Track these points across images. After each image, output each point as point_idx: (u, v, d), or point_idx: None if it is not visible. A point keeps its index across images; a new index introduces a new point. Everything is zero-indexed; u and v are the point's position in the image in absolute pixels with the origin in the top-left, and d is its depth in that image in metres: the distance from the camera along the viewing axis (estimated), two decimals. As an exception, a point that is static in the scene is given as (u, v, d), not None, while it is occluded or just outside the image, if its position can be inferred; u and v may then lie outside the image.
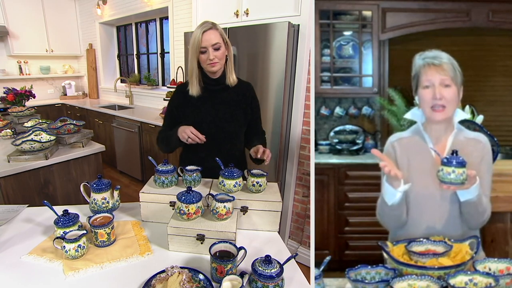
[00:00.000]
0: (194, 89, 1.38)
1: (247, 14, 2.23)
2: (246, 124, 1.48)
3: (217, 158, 1.25)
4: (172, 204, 1.13)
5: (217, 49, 1.30)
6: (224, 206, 1.00)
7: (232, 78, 1.41)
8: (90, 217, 1.03)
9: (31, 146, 1.80)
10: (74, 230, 0.98)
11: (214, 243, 0.89)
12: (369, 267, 0.87)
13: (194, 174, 1.22)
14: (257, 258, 0.81)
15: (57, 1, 4.97)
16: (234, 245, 0.89)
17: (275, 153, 2.11)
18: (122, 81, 4.99)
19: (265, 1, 2.12)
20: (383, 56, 1.83)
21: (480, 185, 0.88)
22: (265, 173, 1.19)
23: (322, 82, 1.89)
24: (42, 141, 1.85)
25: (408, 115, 1.01)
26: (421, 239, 0.90)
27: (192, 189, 1.04)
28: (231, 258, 0.85)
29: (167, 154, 2.73)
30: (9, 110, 2.68)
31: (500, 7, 1.66)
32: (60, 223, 0.99)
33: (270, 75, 2.01)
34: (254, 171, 1.19)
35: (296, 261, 0.98)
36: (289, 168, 2.25)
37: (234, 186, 1.16)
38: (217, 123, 1.41)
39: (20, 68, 4.95)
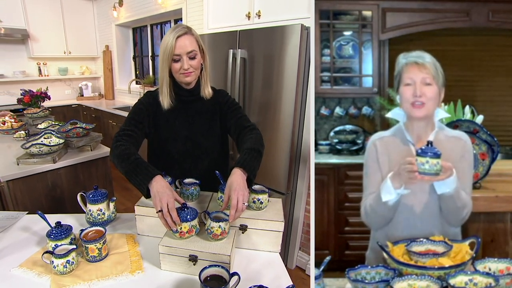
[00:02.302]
0: (165, 100, 1.23)
1: (259, 16, 2.19)
2: (226, 136, 1.37)
3: (217, 172, 1.13)
4: None
5: (192, 58, 1.16)
6: (220, 226, 0.93)
7: (207, 91, 1.27)
8: (82, 230, 1.00)
9: (39, 150, 1.80)
10: (66, 243, 0.96)
11: (206, 267, 0.83)
12: (369, 267, 0.87)
13: (192, 188, 1.15)
14: (250, 287, 0.76)
15: (76, 4, 5.10)
16: (227, 270, 0.82)
17: (286, 161, 2.05)
18: (137, 83, 5.03)
19: (278, 3, 2.07)
20: (383, 56, 1.83)
21: (460, 181, 0.90)
22: (266, 190, 1.11)
23: (322, 82, 1.89)
24: (50, 144, 1.86)
25: (390, 115, 1.02)
26: (421, 239, 0.90)
27: (188, 205, 0.98)
28: (222, 285, 0.79)
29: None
30: (24, 112, 2.74)
31: (500, 7, 1.66)
32: (52, 236, 0.97)
33: (283, 79, 1.96)
34: (256, 187, 1.11)
35: (306, 274, 0.95)
36: (301, 176, 2.17)
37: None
38: (193, 138, 1.28)
39: (40, 70, 5.11)
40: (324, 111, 1.97)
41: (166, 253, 0.92)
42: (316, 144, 1.96)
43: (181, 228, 0.93)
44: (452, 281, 0.77)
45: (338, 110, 1.95)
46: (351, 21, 1.83)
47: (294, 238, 2.32)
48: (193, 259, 0.90)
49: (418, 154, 0.86)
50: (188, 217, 0.94)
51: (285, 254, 2.38)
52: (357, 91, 1.89)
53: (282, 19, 2.03)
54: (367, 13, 1.79)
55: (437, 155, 0.84)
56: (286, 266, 2.33)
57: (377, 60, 1.83)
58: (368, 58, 1.84)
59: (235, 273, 0.81)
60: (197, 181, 1.17)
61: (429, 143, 0.86)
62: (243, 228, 1.05)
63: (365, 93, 1.88)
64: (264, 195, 1.09)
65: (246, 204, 0.96)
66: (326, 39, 1.86)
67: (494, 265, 0.84)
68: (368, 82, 1.87)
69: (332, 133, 1.98)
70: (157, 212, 0.93)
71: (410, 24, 1.72)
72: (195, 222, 0.96)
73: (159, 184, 0.97)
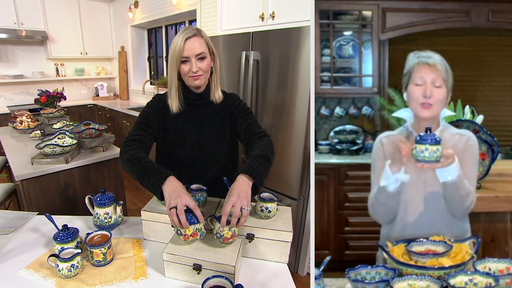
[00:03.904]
0: (174, 104, 1.20)
1: (273, 17, 2.17)
2: (236, 141, 1.34)
3: (225, 178, 1.08)
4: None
5: (201, 60, 1.13)
6: (230, 229, 0.91)
7: (217, 94, 1.24)
8: (88, 234, 1.01)
9: (53, 150, 1.83)
10: (71, 247, 0.97)
11: (209, 278, 0.81)
12: (369, 267, 0.87)
13: (199, 194, 1.13)
14: None
15: (93, 5, 5.22)
16: (231, 282, 0.80)
17: (299, 165, 2.02)
18: (151, 83, 5.07)
19: (292, 4, 2.05)
20: (383, 56, 1.83)
21: (463, 173, 0.89)
22: (275, 198, 1.08)
23: (322, 82, 1.89)
24: (64, 145, 1.88)
25: (398, 114, 1.02)
26: (421, 239, 0.90)
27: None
28: None
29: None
30: (41, 112, 2.80)
31: (500, 7, 1.66)
32: (58, 239, 0.97)
33: (298, 80, 1.93)
34: (264, 195, 1.08)
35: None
36: (314, 180, 2.14)
37: (241, 210, 1.06)
38: (202, 143, 1.25)
39: (57, 70, 5.25)
40: (324, 111, 1.97)
41: (170, 260, 0.91)
42: (316, 144, 1.96)
43: (185, 230, 0.91)
44: (452, 281, 0.77)
45: (338, 110, 1.95)
46: (351, 21, 1.83)
47: (306, 245, 2.26)
48: (197, 268, 0.88)
49: (417, 142, 0.85)
50: (193, 220, 0.91)
51: (296, 260, 2.34)
52: (357, 91, 1.89)
53: (296, 20, 2.02)
54: (367, 13, 1.79)
55: (436, 142, 0.83)
56: (297, 273, 2.31)
57: (377, 60, 1.83)
58: (368, 58, 1.84)
59: (239, 285, 0.78)
60: (204, 187, 1.15)
61: (428, 129, 0.85)
62: (250, 237, 1.02)
63: (365, 93, 1.88)
64: (272, 203, 1.06)
65: (246, 209, 0.92)
66: (326, 39, 1.86)
67: (494, 265, 0.84)
68: (368, 82, 1.87)
69: (332, 133, 1.97)
70: (170, 209, 0.90)
71: (410, 24, 1.72)
72: (200, 225, 0.93)
73: (174, 184, 0.96)
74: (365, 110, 1.94)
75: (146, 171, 1.01)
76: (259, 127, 1.26)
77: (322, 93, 1.90)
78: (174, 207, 0.89)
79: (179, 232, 0.92)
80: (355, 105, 1.95)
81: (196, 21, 3.67)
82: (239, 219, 0.91)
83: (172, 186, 0.95)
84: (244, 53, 2.14)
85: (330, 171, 1.79)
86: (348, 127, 1.96)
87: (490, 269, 0.83)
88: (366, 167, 1.90)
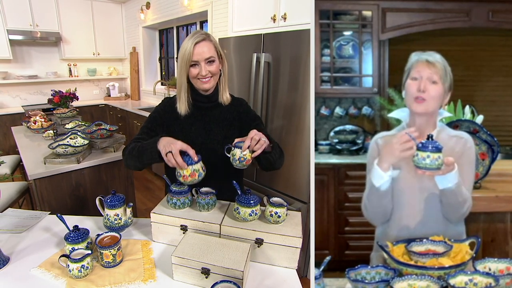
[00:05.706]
0: (182, 107, 1.24)
1: (285, 19, 2.16)
2: None
3: (234, 182, 1.11)
4: (183, 227, 1.07)
5: (210, 64, 1.17)
6: (249, 151, 1.04)
7: (225, 96, 1.28)
8: (98, 235, 1.02)
9: (65, 150, 1.86)
10: (82, 248, 0.98)
11: (217, 282, 0.81)
12: (369, 267, 0.87)
13: (208, 197, 1.14)
14: None
15: (105, 7, 5.33)
16: (239, 287, 0.80)
17: (308, 167, 2.00)
18: (162, 84, 5.09)
19: (304, 5, 2.04)
20: (383, 56, 1.83)
21: (461, 177, 0.89)
22: (285, 204, 1.08)
23: (322, 82, 1.89)
24: (76, 145, 1.91)
25: (393, 114, 1.02)
26: (421, 239, 0.90)
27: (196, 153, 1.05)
28: None
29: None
30: (54, 112, 2.86)
31: (500, 7, 1.66)
32: (69, 239, 0.99)
33: (309, 83, 1.91)
34: (274, 200, 1.09)
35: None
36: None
37: (250, 214, 1.07)
38: (209, 145, 1.27)
39: (70, 71, 5.37)
40: (324, 111, 1.97)
41: (178, 264, 0.92)
42: (316, 144, 1.96)
43: (183, 171, 0.98)
44: (452, 281, 0.77)
45: (338, 110, 1.95)
46: (351, 21, 1.83)
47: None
48: (206, 272, 0.89)
49: (418, 149, 0.85)
50: (191, 161, 1.00)
51: (305, 264, 2.32)
52: (357, 91, 1.89)
53: (308, 22, 2.00)
54: (367, 13, 1.79)
55: (438, 149, 0.83)
56: (306, 277, 2.31)
57: (377, 60, 1.83)
58: (368, 58, 1.84)
59: None
60: (214, 191, 1.16)
61: (430, 137, 0.86)
62: (259, 241, 1.02)
63: (365, 93, 1.88)
64: (282, 208, 1.07)
65: (265, 140, 1.03)
66: (326, 39, 1.86)
67: (494, 265, 0.84)
68: (368, 82, 1.87)
69: (332, 133, 1.97)
70: (166, 155, 1.01)
71: (410, 24, 1.72)
72: (197, 166, 1.00)
73: (166, 139, 1.07)
74: (365, 110, 1.94)
75: (142, 147, 1.12)
76: (269, 137, 1.30)
77: (322, 93, 1.90)
78: (169, 151, 1.00)
79: (178, 174, 0.98)
80: (355, 105, 1.95)
81: (207, 23, 3.68)
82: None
83: (164, 140, 1.06)
84: (255, 55, 2.13)
85: (330, 171, 1.79)
86: (348, 127, 1.96)
87: (490, 269, 0.83)
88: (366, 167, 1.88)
